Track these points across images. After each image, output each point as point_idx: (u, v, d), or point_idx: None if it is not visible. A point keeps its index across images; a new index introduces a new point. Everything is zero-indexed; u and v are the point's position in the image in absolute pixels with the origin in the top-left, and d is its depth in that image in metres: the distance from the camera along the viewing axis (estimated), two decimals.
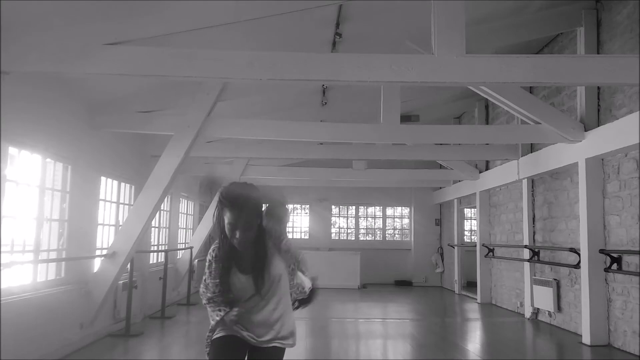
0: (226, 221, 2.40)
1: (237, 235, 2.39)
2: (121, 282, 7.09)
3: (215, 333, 2.57)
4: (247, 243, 2.44)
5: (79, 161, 6.23)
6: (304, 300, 2.96)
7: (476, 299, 11.24)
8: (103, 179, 7.17)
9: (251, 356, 2.60)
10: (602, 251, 6.48)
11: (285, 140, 8.26)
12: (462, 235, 13.93)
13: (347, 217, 16.09)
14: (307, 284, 2.96)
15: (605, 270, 6.45)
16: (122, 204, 7.87)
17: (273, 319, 2.56)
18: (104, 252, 6.71)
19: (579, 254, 6.90)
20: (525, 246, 8.76)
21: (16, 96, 4.65)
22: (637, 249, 5.98)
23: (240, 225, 2.38)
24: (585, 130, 6.73)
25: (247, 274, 2.50)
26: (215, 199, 2.47)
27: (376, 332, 8.13)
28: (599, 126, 6.59)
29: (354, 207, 15.98)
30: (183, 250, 10.89)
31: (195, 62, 4.24)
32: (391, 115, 7.42)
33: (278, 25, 5.58)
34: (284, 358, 2.64)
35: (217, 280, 2.52)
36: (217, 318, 2.52)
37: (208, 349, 2.57)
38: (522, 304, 9.24)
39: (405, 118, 8.97)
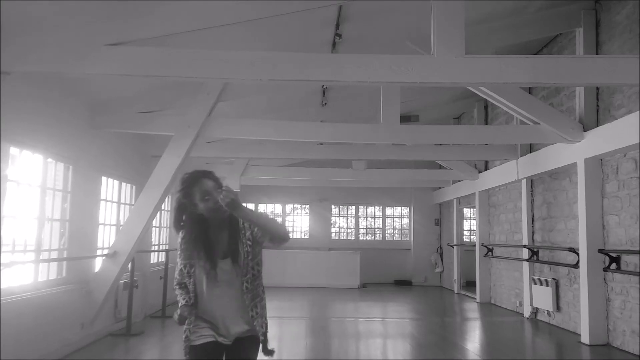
0: (198, 197, 2.46)
1: (210, 204, 2.43)
2: (122, 281, 7.10)
3: (193, 339, 2.54)
4: (218, 213, 2.46)
5: (80, 161, 6.25)
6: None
7: (475, 299, 11.26)
8: (104, 179, 7.18)
9: (228, 356, 2.58)
10: (601, 251, 6.50)
11: (285, 140, 8.27)
12: (462, 235, 13.95)
13: (347, 217, 16.10)
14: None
15: (604, 270, 6.46)
16: (123, 203, 7.89)
17: (246, 307, 2.54)
18: (105, 251, 6.73)
19: (577, 254, 6.91)
20: (525, 246, 8.77)
21: (17, 96, 4.67)
22: (636, 248, 6.00)
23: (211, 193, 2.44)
24: (584, 131, 6.75)
25: (224, 258, 2.52)
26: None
27: (376, 331, 8.15)
28: (597, 126, 6.61)
29: (353, 207, 15.99)
30: None
31: (196, 62, 4.25)
32: (391, 116, 7.44)
33: (278, 26, 5.59)
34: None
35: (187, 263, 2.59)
36: (183, 302, 2.57)
37: (187, 356, 2.55)
38: (521, 304, 9.26)
39: (405, 118, 8.99)
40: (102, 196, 7.15)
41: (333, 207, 15.89)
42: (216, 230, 2.55)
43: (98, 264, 6.71)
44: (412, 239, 15.47)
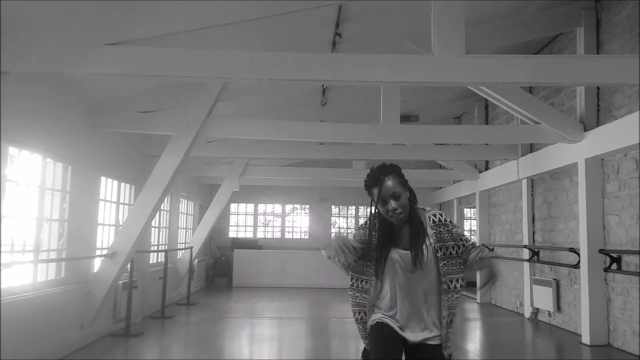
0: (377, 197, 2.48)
1: (390, 207, 2.45)
2: (121, 282, 7.09)
3: (372, 319, 2.54)
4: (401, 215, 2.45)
5: (79, 161, 6.24)
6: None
7: (476, 299, 11.24)
8: (103, 179, 7.17)
9: (408, 357, 2.50)
10: (601, 251, 6.49)
11: (285, 140, 8.26)
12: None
13: (347, 217, 16.08)
14: None
15: (604, 270, 6.45)
16: (122, 204, 7.88)
17: (423, 309, 2.51)
18: (104, 252, 6.71)
19: (578, 254, 6.90)
20: (525, 246, 8.76)
21: (16, 96, 4.66)
22: (637, 248, 5.99)
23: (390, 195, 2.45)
24: (585, 131, 6.74)
25: (406, 250, 2.49)
26: None
27: None
28: (598, 126, 6.60)
29: (353, 207, 15.98)
30: (183, 250, 10.89)
31: (195, 62, 4.24)
32: (391, 115, 7.43)
33: (278, 25, 5.58)
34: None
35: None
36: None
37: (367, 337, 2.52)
38: (521, 304, 9.24)
39: (405, 118, 8.98)
40: (101, 196, 7.14)
41: (333, 207, 15.88)
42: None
43: (97, 264, 6.69)
44: None
